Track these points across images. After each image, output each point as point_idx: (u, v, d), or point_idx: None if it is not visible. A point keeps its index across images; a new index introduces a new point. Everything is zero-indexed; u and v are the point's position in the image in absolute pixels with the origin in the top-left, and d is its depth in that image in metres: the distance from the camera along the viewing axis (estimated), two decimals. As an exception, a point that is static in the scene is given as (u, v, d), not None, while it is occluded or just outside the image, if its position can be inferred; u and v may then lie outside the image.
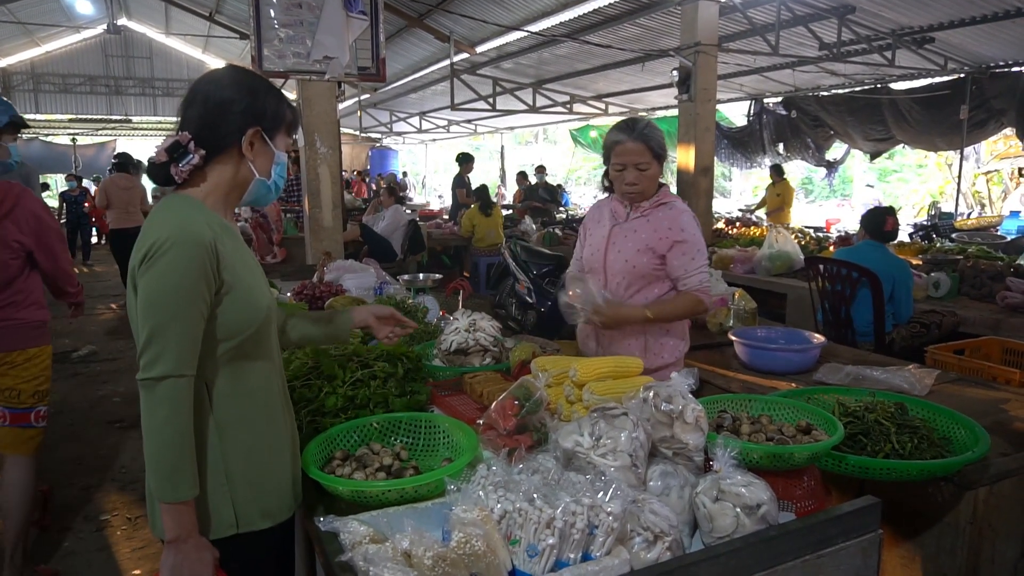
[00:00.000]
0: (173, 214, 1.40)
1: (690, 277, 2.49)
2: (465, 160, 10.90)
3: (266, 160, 1.54)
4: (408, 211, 10.25)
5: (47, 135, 21.27)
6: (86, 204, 13.84)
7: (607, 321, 2.38)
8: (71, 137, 21.13)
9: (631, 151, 2.45)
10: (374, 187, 16.49)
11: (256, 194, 1.56)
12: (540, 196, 11.81)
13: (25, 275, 2.89)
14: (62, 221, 13.36)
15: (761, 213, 10.92)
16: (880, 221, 4.19)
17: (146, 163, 1.48)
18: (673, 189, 2.44)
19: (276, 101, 1.54)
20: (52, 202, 16.31)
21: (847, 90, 10.35)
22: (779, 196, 10.48)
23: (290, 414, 1.64)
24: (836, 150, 11.79)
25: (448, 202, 12.65)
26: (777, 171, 10.69)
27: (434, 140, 22.90)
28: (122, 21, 18.21)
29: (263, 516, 1.49)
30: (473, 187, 10.00)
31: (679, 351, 2.63)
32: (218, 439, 1.43)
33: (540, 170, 13.21)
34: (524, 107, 13.04)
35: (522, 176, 14.35)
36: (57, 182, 20.32)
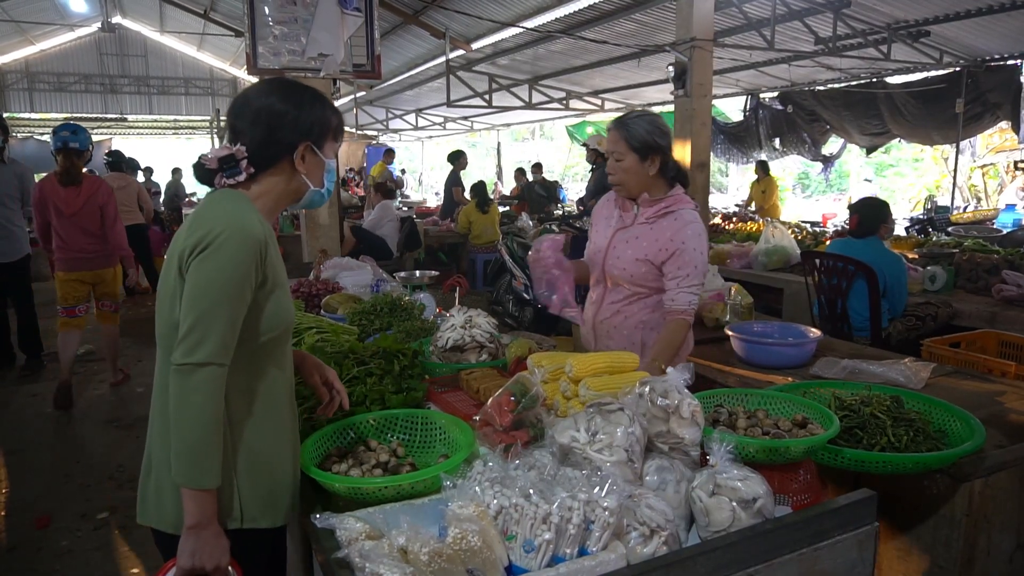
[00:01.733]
0: (230, 208, 1.45)
1: (679, 294, 2.38)
2: (457, 157, 10.87)
3: (318, 170, 1.59)
4: (404, 208, 10.25)
5: (42, 134, 21.18)
6: None
7: None
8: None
9: (609, 139, 2.44)
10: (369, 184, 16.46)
11: (310, 201, 1.64)
12: (537, 193, 11.79)
13: (103, 231, 5.13)
14: None
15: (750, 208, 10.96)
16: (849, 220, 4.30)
17: (198, 161, 1.54)
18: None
19: (321, 110, 1.57)
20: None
21: (843, 84, 10.34)
22: (764, 193, 10.52)
23: (295, 426, 1.64)
24: (832, 144, 11.78)
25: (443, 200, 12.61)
26: (763, 167, 10.71)
27: (431, 137, 22.85)
28: (116, 19, 18.15)
29: (264, 515, 1.51)
30: (467, 184, 10.00)
31: (686, 350, 2.63)
32: (228, 433, 1.45)
33: (536, 168, 13.19)
34: (520, 104, 13.00)
35: (520, 173, 14.31)
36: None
